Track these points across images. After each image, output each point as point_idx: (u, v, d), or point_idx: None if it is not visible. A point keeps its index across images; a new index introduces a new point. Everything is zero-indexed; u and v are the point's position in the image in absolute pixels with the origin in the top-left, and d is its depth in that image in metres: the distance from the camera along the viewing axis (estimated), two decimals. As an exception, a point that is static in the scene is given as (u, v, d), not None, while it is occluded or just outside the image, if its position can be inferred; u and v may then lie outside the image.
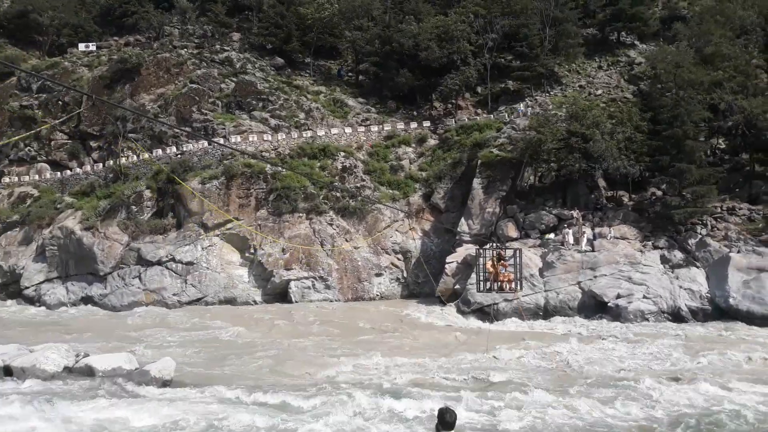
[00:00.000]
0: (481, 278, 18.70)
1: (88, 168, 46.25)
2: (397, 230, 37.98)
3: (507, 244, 23.72)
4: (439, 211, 38.54)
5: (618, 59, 49.34)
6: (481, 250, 19.64)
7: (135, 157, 43.70)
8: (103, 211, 39.41)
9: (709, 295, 28.95)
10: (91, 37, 57.79)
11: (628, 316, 28.55)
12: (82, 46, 56.03)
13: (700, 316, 28.43)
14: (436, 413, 7.77)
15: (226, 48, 52.45)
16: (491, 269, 18.50)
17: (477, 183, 36.25)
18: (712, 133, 36.36)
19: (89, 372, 19.85)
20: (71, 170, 46.93)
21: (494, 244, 21.10)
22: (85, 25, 58.91)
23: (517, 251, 19.35)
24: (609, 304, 29.39)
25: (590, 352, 22.60)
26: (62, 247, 39.31)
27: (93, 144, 49.08)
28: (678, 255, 30.94)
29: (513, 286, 18.94)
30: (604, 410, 15.76)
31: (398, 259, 37.51)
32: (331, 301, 35.08)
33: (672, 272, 30.21)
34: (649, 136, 34.29)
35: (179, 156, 41.26)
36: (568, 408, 15.82)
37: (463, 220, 36.03)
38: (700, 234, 31.39)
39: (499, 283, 18.46)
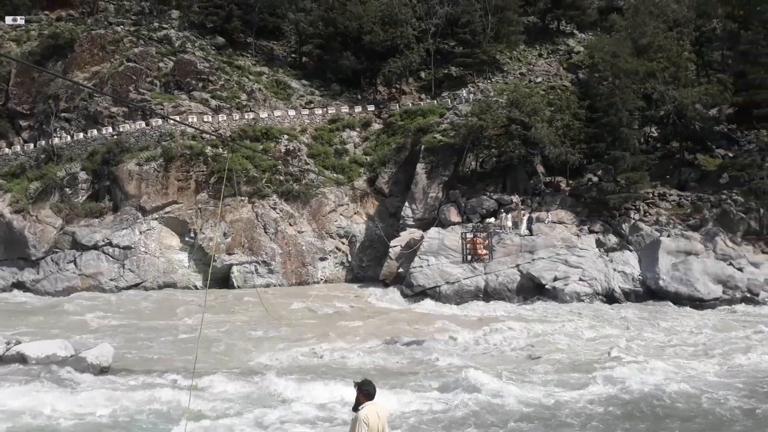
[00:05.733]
0: (465, 252, 26.07)
1: (17, 148, 44.13)
2: (341, 214, 37.95)
3: (480, 226, 32.08)
4: (383, 195, 38.71)
5: (558, 48, 50.46)
6: (465, 232, 28.01)
7: (68, 138, 41.99)
8: (35, 194, 37.80)
9: (641, 277, 30.22)
10: (19, 10, 54.79)
11: (565, 298, 29.50)
12: (9, 19, 53.08)
13: (632, 297, 29.66)
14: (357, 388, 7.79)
15: (164, 26, 50.85)
16: (477, 243, 26.24)
17: (420, 168, 36.55)
18: (645, 121, 37.70)
19: (21, 360, 19.12)
20: (-1, 150, 44.72)
21: (475, 226, 31.65)
22: (12, -3, 55.86)
23: (491, 232, 29.59)
24: (546, 287, 30.27)
25: (542, 335, 23.03)
26: (-10, 231, 37.60)
27: (23, 123, 46.83)
28: (612, 239, 32.13)
29: (486, 258, 27.12)
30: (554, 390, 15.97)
31: (343, 243, 37.54)
32: (275, 286, 34.87)
33: (606, 255, 31.37)
34: (586, 123, 35.30)
35: (115, 137, 39.90)
36: (523, 390, 15.75)
37: (406, 204, 36.30)
38: (633, 219, 32.65)
39: (477, 255, 25.51)
